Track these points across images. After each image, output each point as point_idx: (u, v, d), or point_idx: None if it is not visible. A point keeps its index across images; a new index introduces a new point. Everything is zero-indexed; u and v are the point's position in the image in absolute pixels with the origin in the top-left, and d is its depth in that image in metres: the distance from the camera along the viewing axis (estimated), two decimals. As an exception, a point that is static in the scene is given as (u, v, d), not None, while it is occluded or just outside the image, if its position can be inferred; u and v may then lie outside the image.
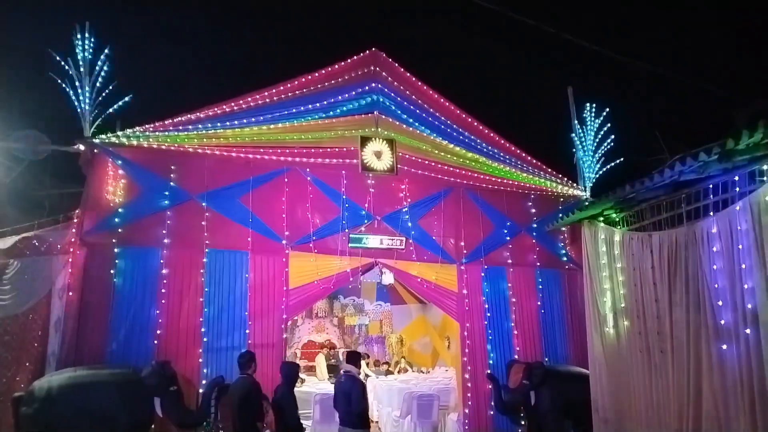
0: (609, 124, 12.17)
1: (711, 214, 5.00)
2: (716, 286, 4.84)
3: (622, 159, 12.28)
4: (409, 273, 10.70)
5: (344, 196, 10.24)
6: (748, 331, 4.50)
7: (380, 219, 10.47)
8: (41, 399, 7.15)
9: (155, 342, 8.59)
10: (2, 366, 8.12)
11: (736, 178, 4.78)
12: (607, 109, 12.23)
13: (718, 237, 4.83)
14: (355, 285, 16.48)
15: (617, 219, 6.47)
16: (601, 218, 6.63)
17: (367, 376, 14.03)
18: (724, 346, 4.76)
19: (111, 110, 9.03)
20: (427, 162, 10.99)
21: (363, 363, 14.46)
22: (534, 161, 11.97)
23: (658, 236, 5.55)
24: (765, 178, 4.50)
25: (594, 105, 12.25)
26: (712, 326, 4.90)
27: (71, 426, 7.22)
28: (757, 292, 4.40)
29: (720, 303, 4.79)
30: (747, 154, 4.37)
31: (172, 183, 9.22)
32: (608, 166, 12.23)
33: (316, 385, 12.07)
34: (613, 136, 12.18)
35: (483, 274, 10.94)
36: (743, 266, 4.56)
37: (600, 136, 12.20)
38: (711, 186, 5.04)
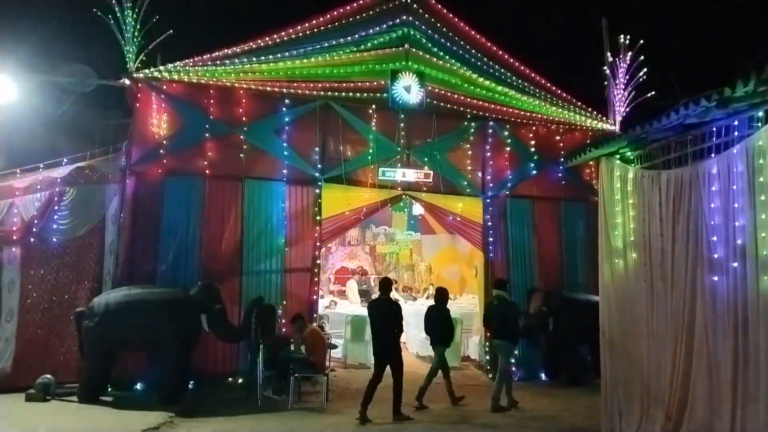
0: (642, 57, 12.02)
1: (712, 155, 5.28)
2: (712, 222, 5.17)
3: (653, 93, 12.16)
4: (436, 205, 11.13)
5: (374, 130, 10.55)
6: (735, 264, 4.88)
7: (409, 152, 10.81)
8: (101, 314, 8.03)
9: (200, 264, 9.36)
10: (65, 284, 8.98)
11: (736, 122, 5.00)
12: (641, 41, 12.04)
13: (717, 177, 5.10)
14: (386, 214, 17.04)
15: (632, 157, 6.74)
16: (618, 156, 6.90)
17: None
18: (716, 278, 5.14)
19: (152, 46, 9.45)
20: (456, 96, 11.13)
21: (393, 288, 15.20)
22: (564, 95, 11.98)
23: (666, 174, 5.82)
24: (760, 125, 4.74)
25: (628, 37, 12.08)
26: (706, 259, 5.26)
27: (128, 338, 8.13)
28: (747, 229, 4.74)
29: (714, 238, 5.13)
30: (745, 101, 4.56)
31: (211, 116, 9.71)
32: (638, 101, 12.16)
33: (347, 308, 12.86)
34: (645, 70, 12.06)
35: (508, 206, 11.27)
36: (736, 205, 4.85)
37: (632, 70, 12.09)
38: (714, 129, 5.27)
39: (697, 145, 5.49)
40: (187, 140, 9.59)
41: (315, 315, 10.13)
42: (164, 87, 9.58)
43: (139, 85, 9.47)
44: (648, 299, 6.13)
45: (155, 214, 9.26)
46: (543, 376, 10.79)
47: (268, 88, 10.07)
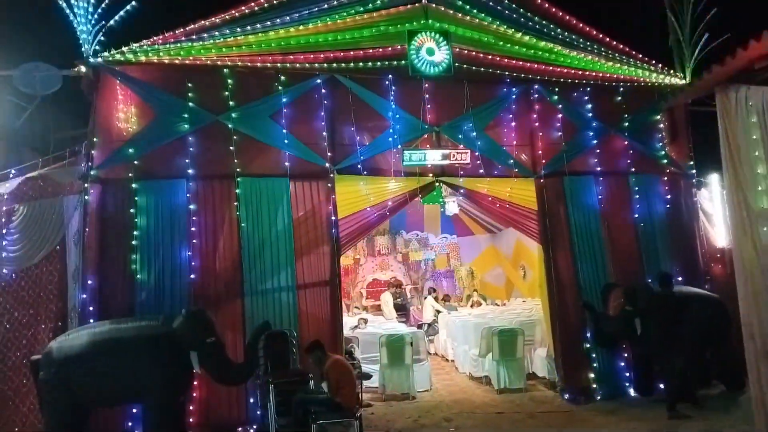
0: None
1: None
2: None
3: (729, 35, 10.02)
4: (477, 192, 9.13)
5: (394, 105, 8.69)
6: None
7: (438, 130, 8.89)
8: (59, 362, 6.15)
9: (190, 288, 7.53)
10: (22, 325, 7.22)
11: None
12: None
13: None
14: (417, 218, 15.19)
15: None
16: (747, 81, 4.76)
17: (438, 312, 12.85)
18: None
19: (112, 22, 7.70)
20: (490, 57, 9.23)
21: (431, 297, 13.40)
22: (621, 47, 9.95)
23: None
24: None
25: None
26: None
27: (95, 391, 6.22)
28: None
29: None
30: None
31: (190, 103, 7.90)
32: (711, 46, 10.02)
33: (382, 326, 10.86)
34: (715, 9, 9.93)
35: (566, 187, 9.22)
36: None
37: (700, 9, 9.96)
38: None
39: None
40: (162, 135, 7.78)
41: (340, 339, 8.12)
42: (129, 72, 7.80)
43: (99, 71, 7.70)
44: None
45: (128, 230, 7.42)
46: (632, 391, 8.63)
47: (259, 64, 8.22)
